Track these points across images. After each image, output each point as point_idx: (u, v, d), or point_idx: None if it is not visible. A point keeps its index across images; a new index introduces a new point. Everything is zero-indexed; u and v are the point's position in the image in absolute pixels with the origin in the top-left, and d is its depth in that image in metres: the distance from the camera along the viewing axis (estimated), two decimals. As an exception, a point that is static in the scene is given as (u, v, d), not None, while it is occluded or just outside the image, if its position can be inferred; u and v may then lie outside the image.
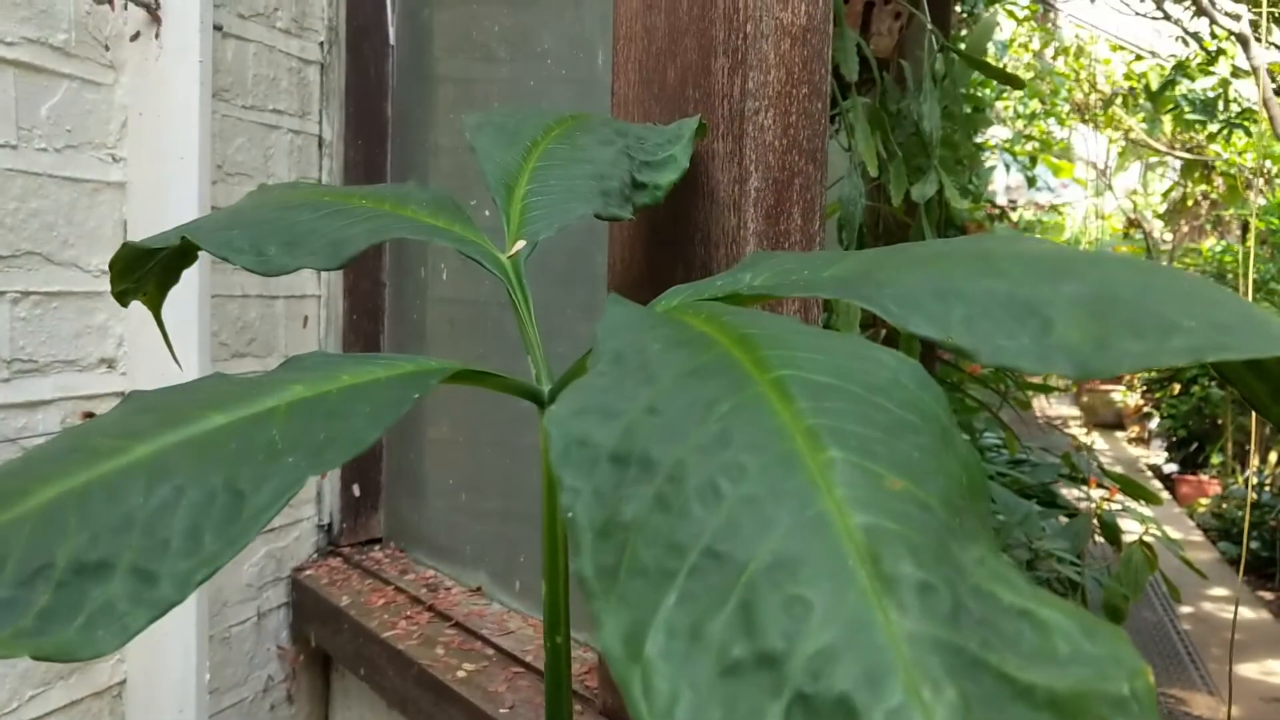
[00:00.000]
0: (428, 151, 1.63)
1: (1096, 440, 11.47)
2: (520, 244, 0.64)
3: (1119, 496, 3.72)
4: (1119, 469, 9.67)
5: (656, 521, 0.39)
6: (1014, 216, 13.39)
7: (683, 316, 0.49)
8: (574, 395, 0.44)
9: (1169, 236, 12.27)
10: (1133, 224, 12.21)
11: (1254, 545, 6.14)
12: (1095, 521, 3.47)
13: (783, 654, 0.34)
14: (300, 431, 0.49)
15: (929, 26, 1.68)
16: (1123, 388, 11.36)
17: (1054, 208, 14.51)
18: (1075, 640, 0.35)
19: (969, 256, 0.51)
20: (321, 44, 1.62)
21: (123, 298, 0.81)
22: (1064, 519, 3.35)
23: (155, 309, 0.85)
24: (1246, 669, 4.44)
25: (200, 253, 1.25)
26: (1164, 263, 11.47)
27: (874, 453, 0.40)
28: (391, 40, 1.63)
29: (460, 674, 1.18)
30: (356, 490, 1.66)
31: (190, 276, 1.29)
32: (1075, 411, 13.25)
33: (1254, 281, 7.53)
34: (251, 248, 0.66)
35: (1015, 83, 1.63)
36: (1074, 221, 14.14)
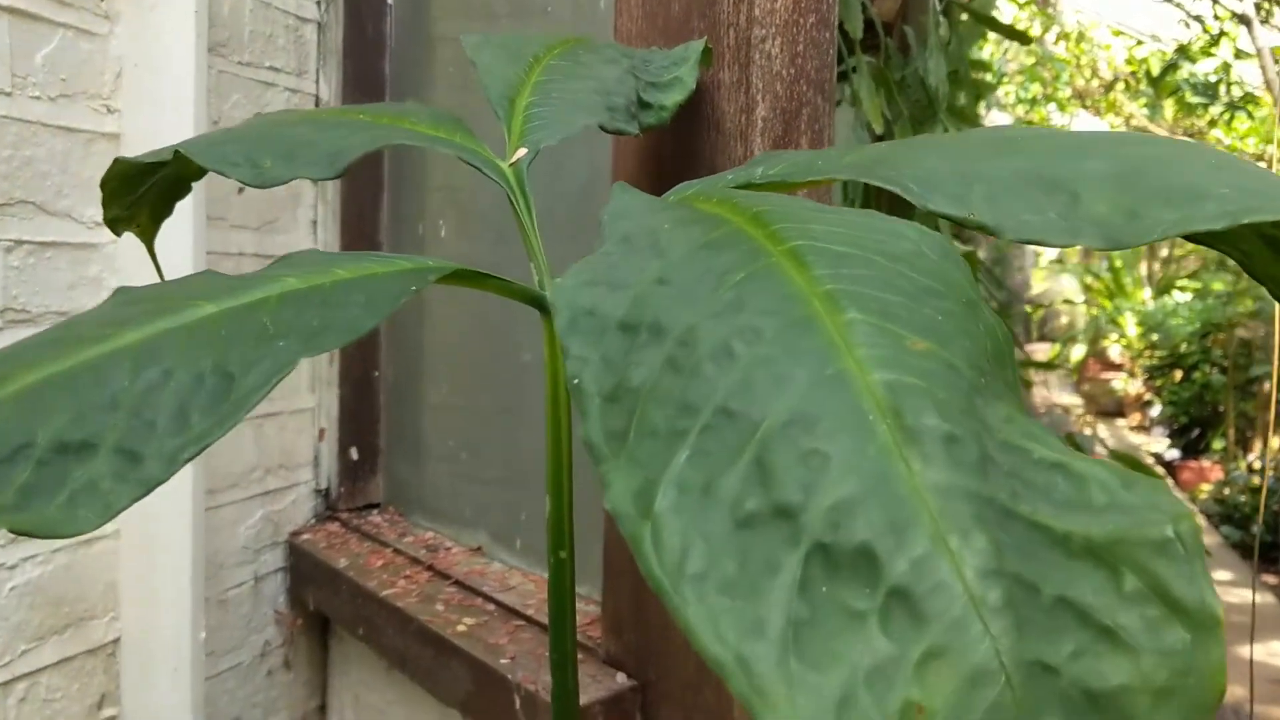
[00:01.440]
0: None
1: (1099, 428, 11.47)
2: (522, 151, 0.62)
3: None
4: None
5: (668, 383, 0.37)
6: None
7: (694, 201, 0.47)
8: (581, 269, 0.42)
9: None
10: (1134, 212, 12.17)
11: (1256, 530, 6.13)
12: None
13: (799, 506, 0.32)
14: (292, 318, 0.47)
15: (933, -13, 1.66)
16: (1124, 375, 11.33)
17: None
18: (1113, 489, 0.33)
19: (990, 141, 0.49)
20: (319, 1, 1.59)
21: (115, 225, 0.79)
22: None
23: (149, 240, 0.83)
24: (1254, 652, 4.43)
25: (196, 203, 1.23)
26: (1166, 248, 11.43)
27: (896, 315, 0.38)
28: (390, 0, 1.61)
29: (460, 628, 1.16)
30: (354, 454, 1.64)
31: (184, 231, 1.27)
32: (1077, 400, 13.24)
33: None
34: (246, 160, 0.64)
35: (1022, 38, 1.61)
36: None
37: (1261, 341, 7.07)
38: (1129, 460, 3.68)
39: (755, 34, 0.83)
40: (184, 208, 1.12)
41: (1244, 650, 4.43)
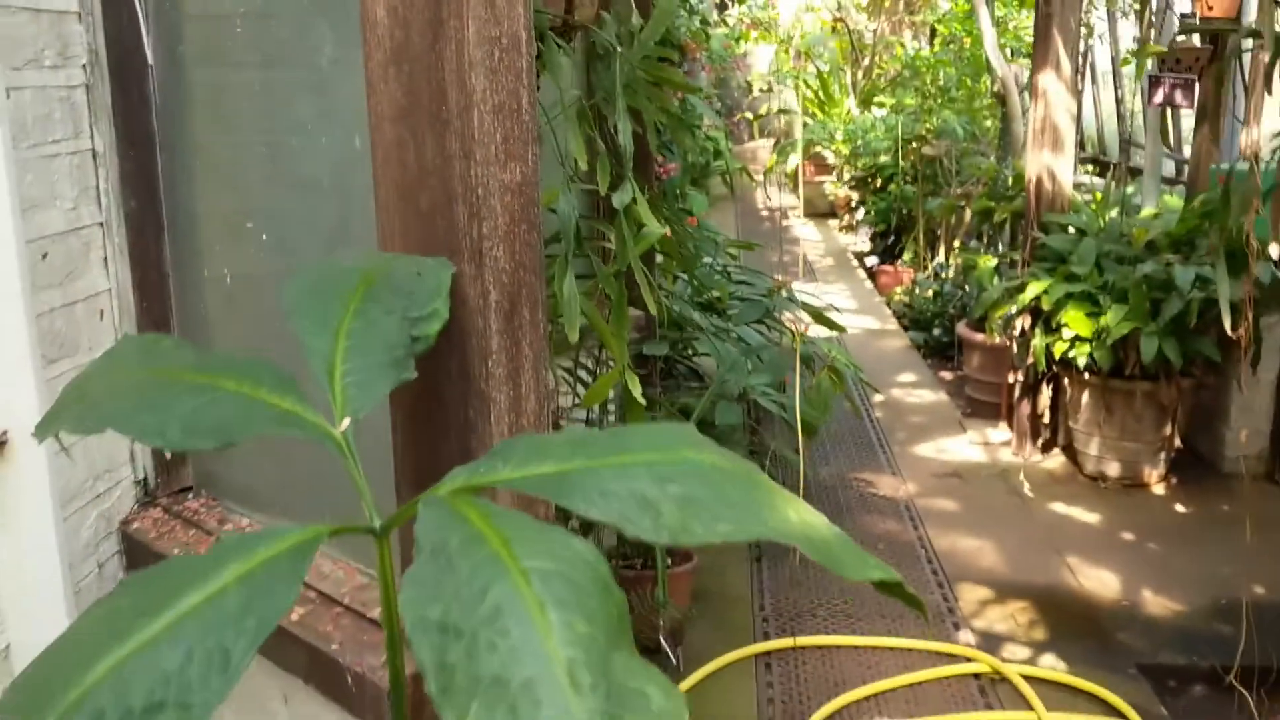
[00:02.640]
0: (193, 156, 1.86)
1: (811, 228, 12.45)
2: (347, 421, 0.99)
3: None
4: (830, 260, 10.56)
5: (465, 663, 0.78)
6: (732, 16, 13.77)
7: (467, 514, 0.87)
8: (414, 585, 0.82)
9: (876, 29, 13.06)
10: (838, 20, 12.90)
11: (936, 332, 7.10)
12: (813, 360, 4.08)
13: (532, 731, 0.75)
14: (241, 607, 0.85)
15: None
16: (833, 179, 12.26)
17: (767, 3, 15.00)
18: (662, 701, 0.77)
19: (622, 468, 0.91)
20: (84, 66, 1.79)
21: None
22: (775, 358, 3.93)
23: None
24: (924, 449, 5.33)
25: (22, 273, 1.50)
26: (866, 58, 12.17)
27: (572, 608, 0.80)
28: (150, 61, 1.82)
29: (294, 617, 1.55)
30: (167, 451, 1.95)
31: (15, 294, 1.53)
32: (794, 201, 14.21)
33: (938, 88, 8.30)
34: (159, 433, 0.98)
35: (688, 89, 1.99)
36: (786, 16, 14.71)
37: (948, 158, 7.89)
38: (817, 314, 4.32)
39: (485, 245, 1.21)
40: (12, 275, 1.43)
41: (921, 449, 5.32)
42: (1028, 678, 3.22)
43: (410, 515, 0.90)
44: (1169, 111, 5.33)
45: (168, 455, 1.94)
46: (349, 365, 1.03)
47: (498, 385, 1.23)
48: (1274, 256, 3.56)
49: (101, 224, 1.85)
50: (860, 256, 10.32)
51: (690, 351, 4.16)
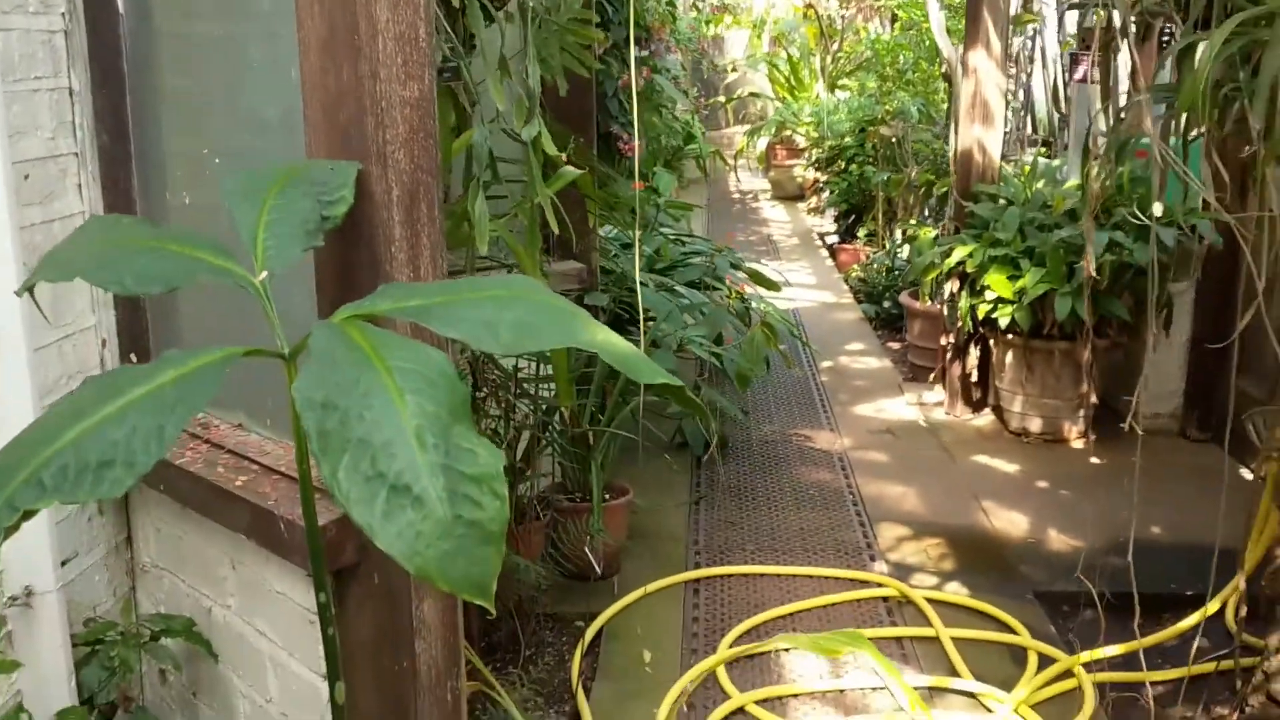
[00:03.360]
0: (158, 95, 2.11)
1: (779, 210, 12.73)
2: (264, 273, 1.25)
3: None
4: (795, 240, 10.87)
5: (339, 429, 1.05)
6: (705, 1, 13.99)
7: (350, 331, 1.14)
8: (304, 376, 1.09)
9: (846, 14, 13.31)
10: (810, 6, 13.15)
11: (887, 304, 7.39)
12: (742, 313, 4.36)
13: (387, 473, 1.02)
14: (174, 397, 1.11)
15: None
16: (803, 163, 12.53)
17: (742, -11, 15.25)
18: (486, 458, 1.04)
19: (475, 301, 1.18)
20: (63, 14, 2.04)
21: None
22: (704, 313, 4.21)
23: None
24: (864, 409, 5.62)
25: (9, 193, 1.75)
26: (835, 43, 12.40)
27: (422, 393, 1.07)
28: (121, 10, 2.08)
29: (238, 483, 1.82)
30: (133, 358, 2.20)
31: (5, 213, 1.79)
32: (765, 184, 14.49)
33: (896, 71, 8.58)
34: (117, 281, 1.25)
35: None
36: (760, 2, 14.96)
37: (903, 138, 8.17)
38: (755, 275, 4.60)
39: (389, 149, 1.47)
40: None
41: (860, 409, 5.61)
42: (931, 601, 3.51)
43: (307, 347, 1.17)
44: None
45: (133, 359, 2.20)
46: (269, 234, 1.29)
47: (399, 268, 1.49)
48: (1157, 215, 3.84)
49: (76, 154, 2.11)
50: (824, 237, 10.61)
51: (632, 307, 4.42)
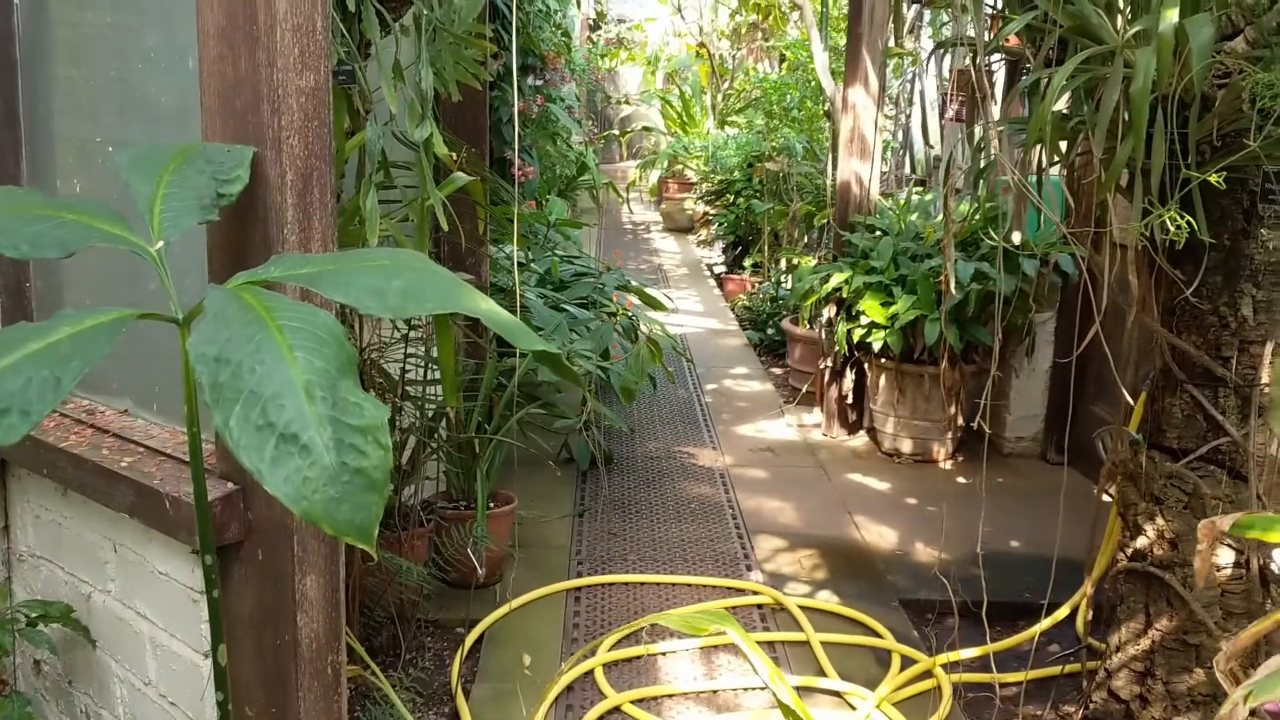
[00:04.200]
0: (51, 82, 2.13)
1: (670, 241, 12.94)
2: (160, 243, 1.31)
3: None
4: (684, 270, 11.02)
5: (232, 381, 1.12)
6: (600, 35, 14.19)
7: (243, 295, 1.21)
8: (199, 333, 1.15)
9: (737, 54, 13.66)
10: (702, 45, 13.47)
11: (770, 331, 7.60)
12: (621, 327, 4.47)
13: (276, 422, 1.09)
14: (75, 348, 1.16)
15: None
16: (693, 196, 12.79)
17: (637, 26, 15.53)
18: (371, 410, 1.12)
19: (364, 268, 1.26)
20: (-45, -1, 2.06)
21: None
22: (590, 327, 4.32)
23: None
24: (745, 429, 5.78)
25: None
26: (726, 81, 12.70)
27: (311, 350, 1.14)
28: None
29: (123, 464, 1.84)
30: (16, 344, 2.20)
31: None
32: (657, 217, 14.72)
33: (781, 110, 8.86)
34: (13, 245, 1.29)
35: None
36: (654, 40, 15.27)
37: (787, 173, 8.42)
38: (641, 294, 4.71)
39: (283, 135, 1.54)
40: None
41: (742, 429, 5.76)
42: (804, 608, 3.64)
43: (202, 310, 1.23)
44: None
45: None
46: (165, 206, 1.35)
47: (291, 249, 1.56)
48: (1016, 243, 4.09)
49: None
50: (712, 268, 10.84)
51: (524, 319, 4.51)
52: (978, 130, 3.09)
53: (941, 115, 5.15)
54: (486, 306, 1.24)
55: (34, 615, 2.05)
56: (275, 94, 1.53)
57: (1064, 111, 2.80)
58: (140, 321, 1.97)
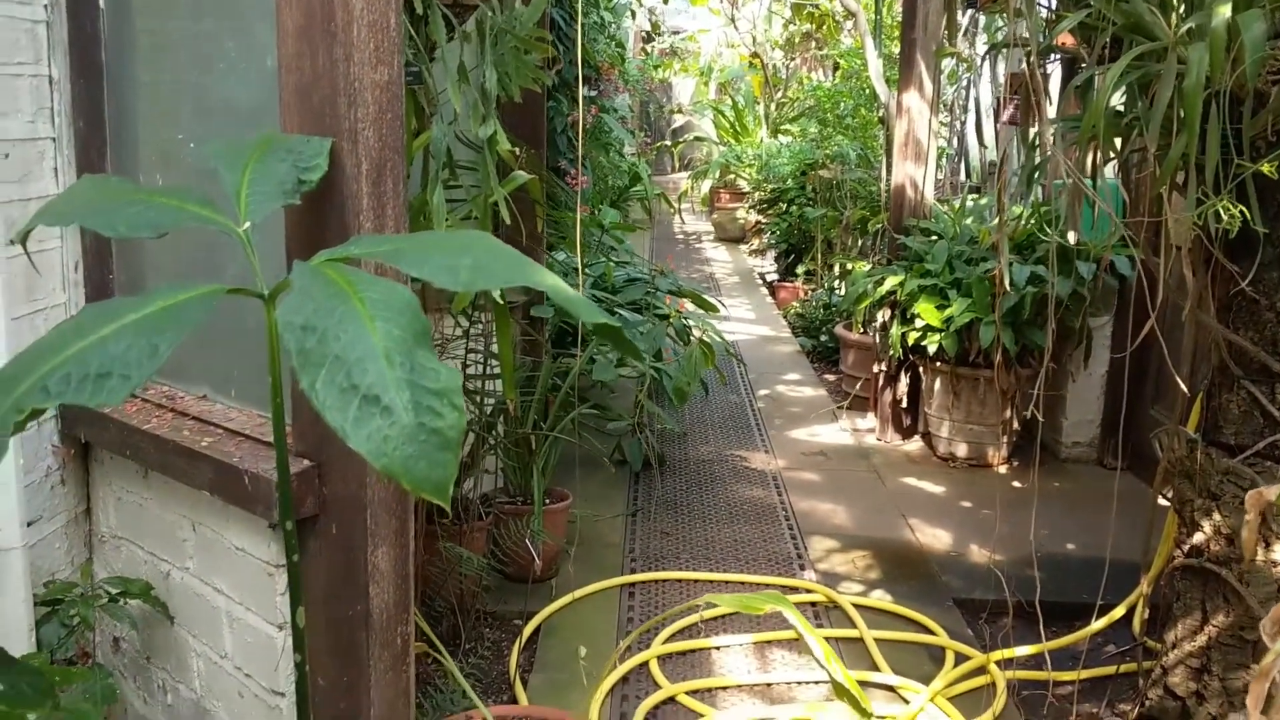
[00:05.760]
0: (135, 84, 2.24)
1: (722, 251, 12.98)
2: (247, 223, 1.39)
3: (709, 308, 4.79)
4: (736, 279, 11.07)
5: (318, 347, 1.19)
6: (654, 45, 14.28)
7: (326, 271, 1.28)
8: (286, 304, 1.23)
9: (790, 64, 13.70)
10: (755, 55, 13.53)
11: (823, 338, 7.62)
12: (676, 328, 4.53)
13: (359, 385, 1.16)
14: (165, 321, 1.24)
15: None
16: (745, 206, 12.83)
17: (690, 37, 15.62)
18: (446, 376, 1.18)
19: (438, 246, 1.33)
20: (45, 6, 2.16)
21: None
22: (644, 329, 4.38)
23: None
24: (798, 433, 5.80)
25: None
26: (779, 90, 12.75)
27: (390, 319, 1.21)
28: (101, 4, 2.20)
29: (203, 444, 1.93)
30: (99, 334, 2.30)
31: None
32: (709, 227, 14.78)
33: (835, 117, 8.87)
34: (110, 226, 1.38)
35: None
36: (707, 50, 15.35)
37: (841, 180, 8.45)
38: (695, 296, 4.77)
39: (359, 127, 1.62)
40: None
41: (794, 433, 5.79)
42: (857, 606, 3.67)
43: (288, 285, 1.31)
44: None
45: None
46: (250, 190, 1.43)
47: (366, 235, 1.64)
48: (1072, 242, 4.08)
49: (54, 139, 2.22)
50: (764, 276, 10.87)
51: (574, 327, 4.57)
52: (1032, 130, 3.11)
53: (996, 119, 5.16)
54: (552, 281, 1.30)
55: (115, 592, 2.14)
56: (351, 88, 1.61)
57: (1118, 109, 2.82)
58: (219, 311, 2.06)
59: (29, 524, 2.10)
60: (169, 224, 1.38)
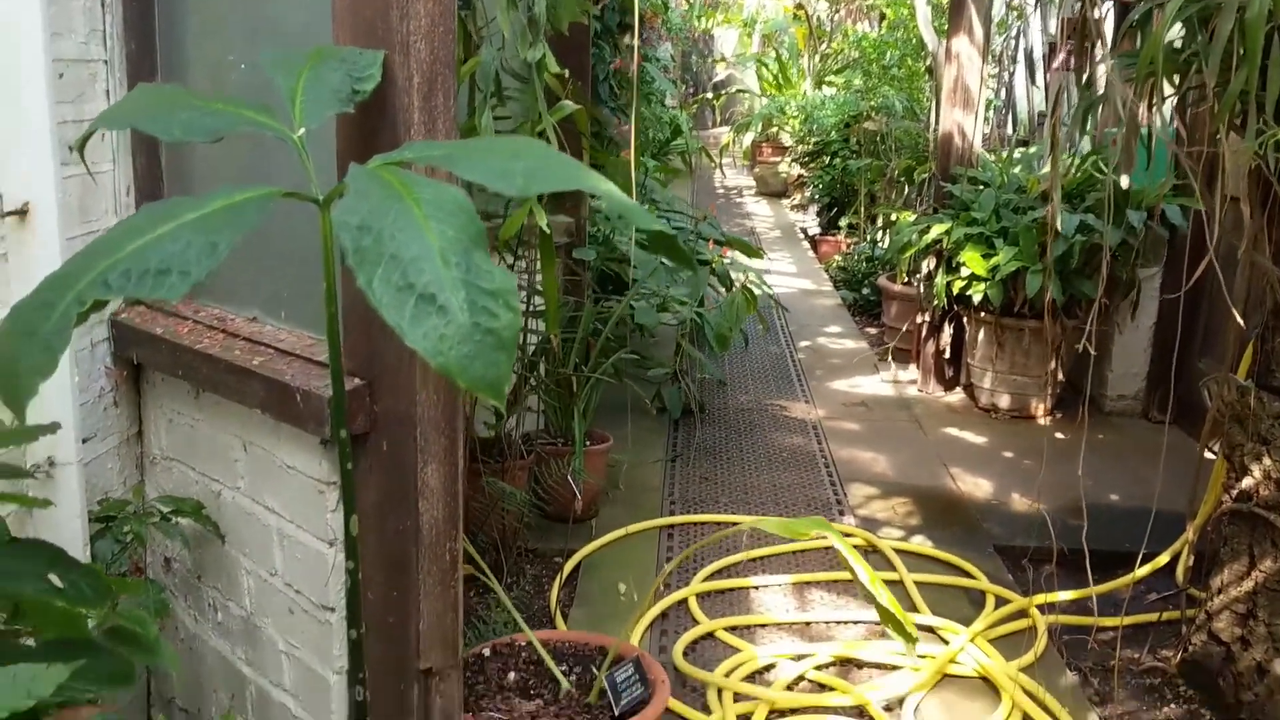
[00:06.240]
0: (184, 7, 2.24)
1: (764, 205, 12.89)
2: (301, 129, 1.39)
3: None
4: (778, 233, 11.01)
5: (374, 246, 1.19)
6: (698, -2, 14.10)
7: (382, 174, 1.28)
8: (342, 205, 1.23)
9: (835, 15, 13.52)
10: (800, 6, 13.35)
11: (865, 291, 7.57)
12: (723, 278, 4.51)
13: (415, 284, 1.17)
14: (223, 220, 1.25)
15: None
16: (787, 160, 12.73)
17: (734, -12, 15.43)
18: (501, 277, 1.18)
19: (492, 151, 1.32)
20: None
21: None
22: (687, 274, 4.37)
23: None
24: (839, 384, 5.78)
25: (49, 91, 1.88)
26: (824, 43, 12.58)
27: (445, 220, 1.21)
28: (156, -76, 2.21)
29: (255, 363, 1.95)
30: (151, 258, 2.32)
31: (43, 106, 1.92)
32: (750, 181, 14.67)
33: (881, 68, 8.76)
34: (166, 130, 1.39)
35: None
36: (751, 2, 15.15)
37: (886, 133, 8.35)
38: (737, 242, 4.75)
39: (411, 40, 1.61)
40: (39, 92, 1.82)
41: (835, 384, 5.77)
42: (897, 551, 3.67)
43: (343, 190, 1.31)
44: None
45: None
46: (305, 97, 1.43)
47: (418, 149, 1.64)
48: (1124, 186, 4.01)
49: (105, 61, 2.23)
50: (806, 231, 10.79)
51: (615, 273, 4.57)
52: (1086, 73, 3.05)
53: (1049, 65, 5.07)
54: (606, 187, 1.29)
55: (168, 510, 2.18)
56: (403, 1, 1.60)
57: (1175, 45, 2.76)
58: (270, 235, 2.07)
59: (84, 441, 2.13)
60: (224, 128, 1.39)
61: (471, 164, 1.29)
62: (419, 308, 1.15)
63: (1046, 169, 5.41)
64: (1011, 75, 7.72)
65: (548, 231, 2.31)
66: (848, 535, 3.78)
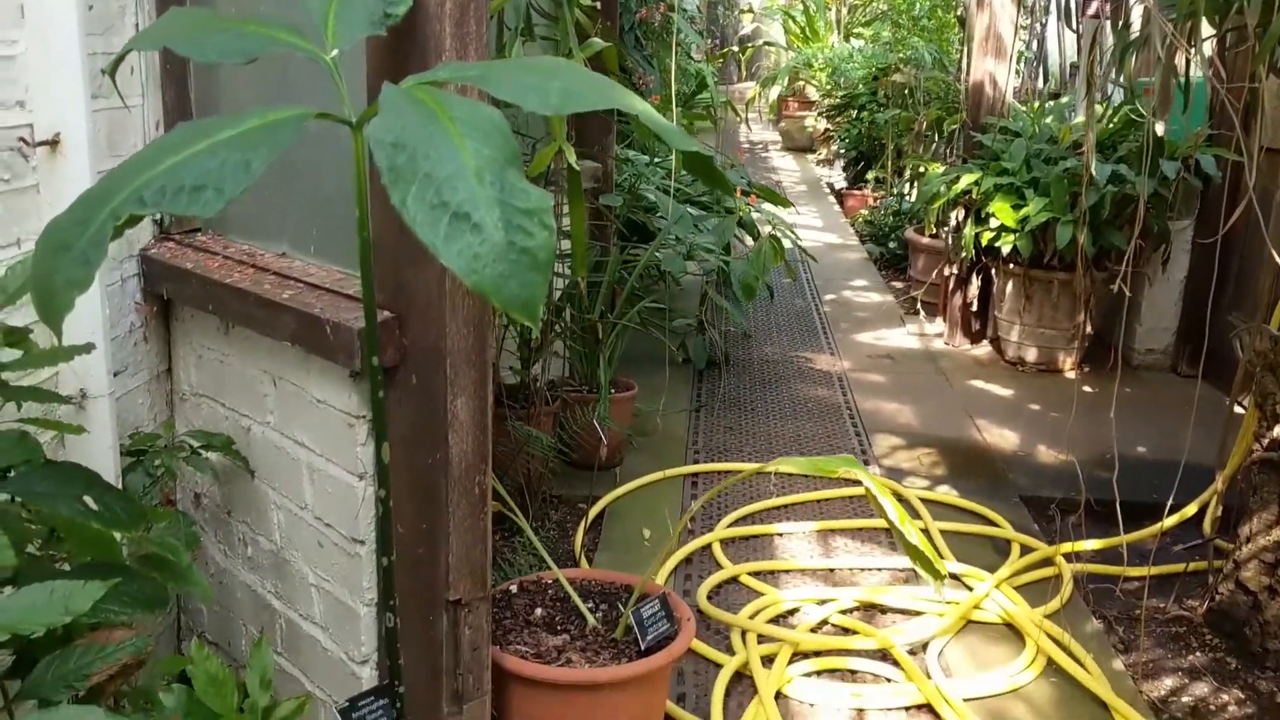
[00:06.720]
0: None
1: (789, 160, 12.79)
2: (335, 51, 1.38)
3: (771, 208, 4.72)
4: (804, 187, 10.94)
5: (409, 164, 1.18)
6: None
7: (416, 93, 1.27)
8: (376, 123, 1.22)
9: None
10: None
11: (892, 245, 7.51)
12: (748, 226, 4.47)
13: (450, 202, 1.16)
14: (263, 136, 1.24)
15: None
16: (813, 114, 12.61)
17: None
18: (537, 196, 1.17)
19: (526, 70, 1.31)
20: None
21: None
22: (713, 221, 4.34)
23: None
24: (864, 336, 5.76)
25: (80, 22, 1.87)
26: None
27: (480, 139, 1.20)
28: None
29: (285, 296, 1.95)
30: (180, 194, 2.32)
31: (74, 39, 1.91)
32: (776, 136, 14.56)
33: (910, 19, 8.63)
34: (200, 51, 1.37)
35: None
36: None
37: (915, 85, 8.24)
38: (765, 191, 4.71)
39: (445, -35, 1.59)
40: (70, 23, 1.81)
41: (861, 336, 5.74)
42: (923, 500, 3.66)
43: (376, 110, 1.30)
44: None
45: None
46: (337, 19, 1.42)
47: (450, 76, 1.62)
48: (1159, 133, 3.96)
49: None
50: (832, 185, 10.71)
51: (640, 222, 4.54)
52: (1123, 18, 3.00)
53: (1083, 11, 4.99)
54: (642, 106, 1.28)
55: (198, 445, 2.19)
56: (436, -76, 1.58)
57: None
58: (299, 169, 2.07)
59: (114, 375, 2.14)
60: (257, 50, 1.37)
61: (505, 83, 1.28)
62: (453, 226, 1.14)
63: (1079, 119, 5.34)
64: (1044, 26, 7.59)
65: (577, 169, 2.30)
66: (873, 484, 3.76)
